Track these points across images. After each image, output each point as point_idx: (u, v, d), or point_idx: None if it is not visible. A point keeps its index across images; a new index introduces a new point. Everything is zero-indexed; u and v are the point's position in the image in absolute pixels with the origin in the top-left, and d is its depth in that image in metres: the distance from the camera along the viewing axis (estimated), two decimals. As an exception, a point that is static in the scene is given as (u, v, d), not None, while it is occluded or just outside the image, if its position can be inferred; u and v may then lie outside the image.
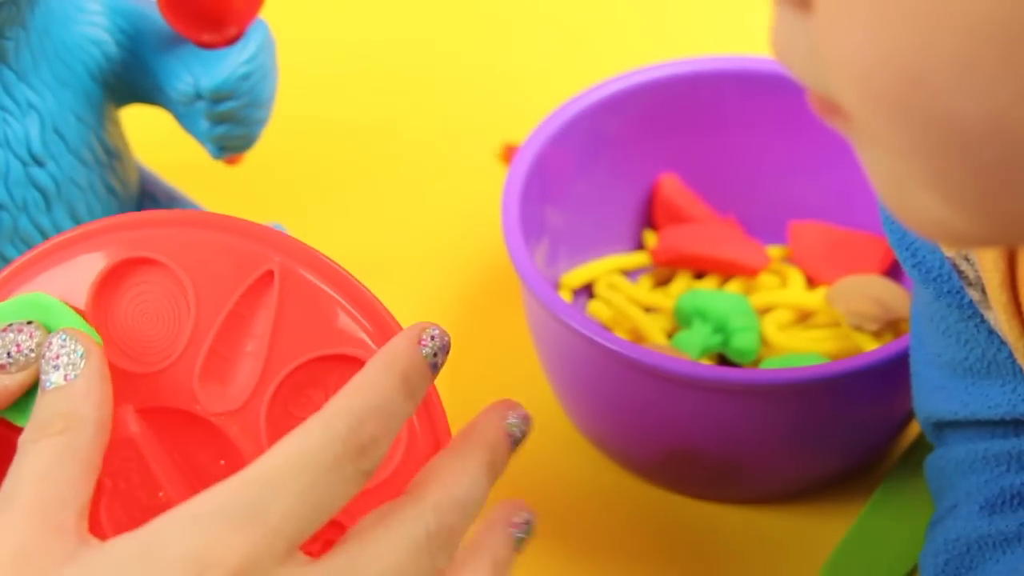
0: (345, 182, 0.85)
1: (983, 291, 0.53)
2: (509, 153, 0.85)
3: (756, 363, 0.72)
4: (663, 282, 0.77)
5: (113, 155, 0.67)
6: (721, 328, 0.72)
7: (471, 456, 0.48)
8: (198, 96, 0.64)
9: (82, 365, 0.47)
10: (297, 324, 0.49)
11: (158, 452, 0.49)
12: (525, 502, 0.50)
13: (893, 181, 0.38)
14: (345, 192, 0.84)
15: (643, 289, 0.76)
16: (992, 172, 0.35)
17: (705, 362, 0.72)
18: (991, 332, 0.56)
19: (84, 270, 0.49)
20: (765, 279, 0.75)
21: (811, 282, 0.76)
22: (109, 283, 0.49)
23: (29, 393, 0.47)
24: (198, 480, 0.49)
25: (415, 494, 0.47)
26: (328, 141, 0.87)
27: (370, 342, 0.49)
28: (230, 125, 0.65)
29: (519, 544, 0.50)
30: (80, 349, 0.47)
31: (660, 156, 0.77)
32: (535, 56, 0.92)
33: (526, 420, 0.50)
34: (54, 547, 0.43)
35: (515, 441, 0.50)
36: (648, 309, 0.75)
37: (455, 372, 0.75)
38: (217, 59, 0.64)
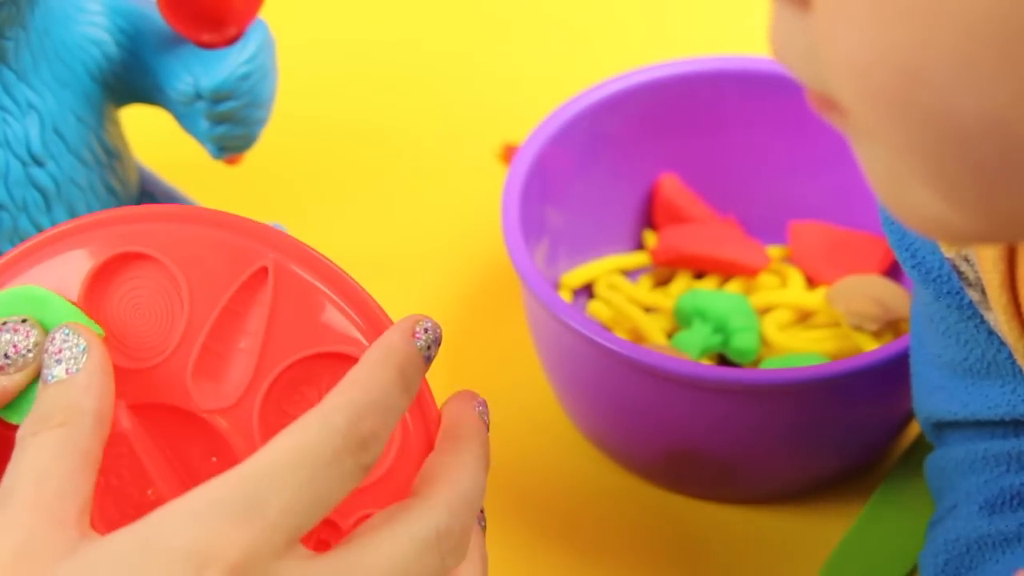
0: (345, 182, 0.85)
1: (983, 292, 0.53)
2: (509, 153, 0.85)
3: (756, 363, 0.72)
4: (663, 282, 0.77)
5: (113, 155, 0.67)
6: (721, 328, 0.72)
7: (467, 452, 0.49)
8: (198, 96, 0.64)
9: (84, 359, 0.47)
10: (291, 321, 0.49)
11: (150, 448, 0.48)
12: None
13: (891, 178, 0.38)
14: (345, 192, 0.84)
15: (643, 289, 0.76)
16: (990, 169, 0.35)
17: (705, 362, 0.72)
18: (991, 333, 0.56)
19: (76, 264, 0.49)
20: (765, 279, 0.75)
21: (811, 282, 0.76)
22: (102, 278, 0.49)
23: (25, 392, 0.47)
24: (190, 477, 0.48)
25: (423, 495, 0.47)
26: (328, 141, 0.87)
27: (364, 340, 0.49)
28: (230, 125, 0.65)
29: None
30: (83, 343, 0.47)
31: (660, 156, 0.77)
32: (535, 56, 0.92)
33: (484, 404, 0.51)
34: (54, 541, 0.43)
35: (487, 426, 0.50)
36: (648, 309, 0.75)
37: (455, 372, 0.75)
38: (217, 59, 0.64)
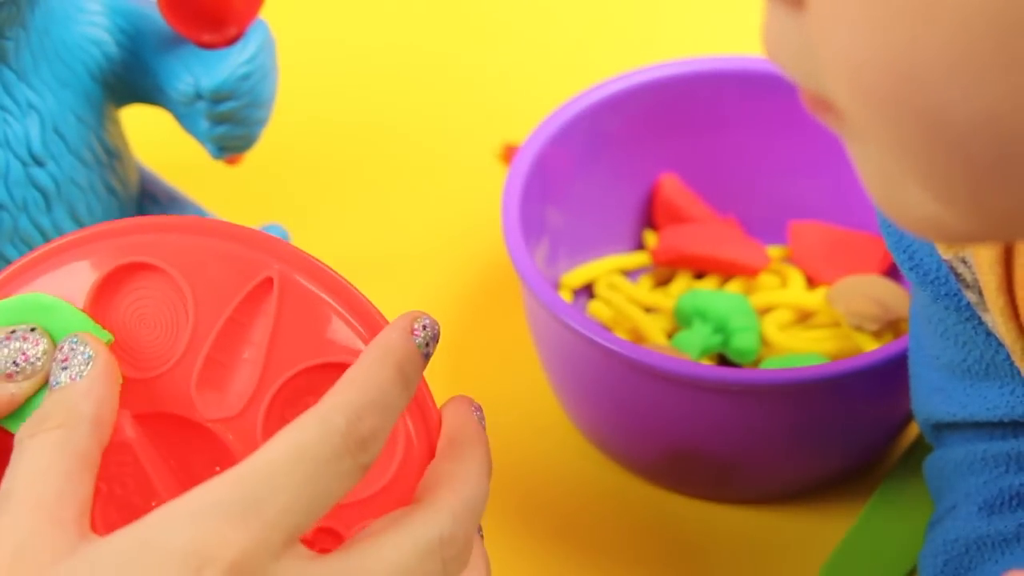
0: (345, 182, 0.85)
1: (980, 293, 0.53)
2: (509, 153, 0.85)
3: (756, 363, 0.72)
4: (663, 282, 0.77)
5: (113, 155, 0.67)
6: (721, 328, 0.72)
7: (470, 458, 0.48)
8: (198, 96, 0.64)
9: (89, 367, 0.47)
10: (295, 332, 0.49)
11: (154, 457, 0.48)
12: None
13: (884, 178, 0.38)
14: (345, 192, 0.84)
15: (643, 289, 0.76)
16: (982, 167, 0.35)
17: (705, 362, 0.72)
18: (989, 334, 0.56)
19: (82, 275, 0.49)
20: (765, 279, 0.75)
21: (811, 282, 0.76)
22: (108, 288, 0.49)
23: (31, 401, 0.48)
24: (193, 486, 0.48)
25: (426, 501, 0.47)
26: (328, 141, 0.87)
27: None
28: (230, 125, 0.65)
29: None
30: (89, 352, 0.47)
31: (660, 156, 0.77)
32: (535, 56, 0.92)
33: (481, 410, 0.51)
34: (54, 541, 0.43)
35: (484, 429, 0.50)
36: (648, 309, 0.75)
37: (455, 372, 0.75)
38: (217, 59, 0.64)
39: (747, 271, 0.75)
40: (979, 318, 0.55)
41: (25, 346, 0.48)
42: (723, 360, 0.73)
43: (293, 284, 0.49)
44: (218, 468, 0.48)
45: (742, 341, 0.71)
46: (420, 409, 0.49)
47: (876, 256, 0.75)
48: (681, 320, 0.73)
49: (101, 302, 0.49)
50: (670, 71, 0.75)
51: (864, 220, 0.76)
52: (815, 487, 0.70)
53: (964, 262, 0.53)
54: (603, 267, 0.76)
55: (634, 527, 0.69)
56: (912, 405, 0.62)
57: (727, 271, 0.75)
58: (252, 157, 0.74)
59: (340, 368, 0.48)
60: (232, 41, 0.64)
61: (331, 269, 0.49)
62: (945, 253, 0.54)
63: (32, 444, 0.45)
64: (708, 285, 0.75)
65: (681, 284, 0.76)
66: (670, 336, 0.73)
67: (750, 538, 0.69)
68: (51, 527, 0.43)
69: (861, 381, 0.64)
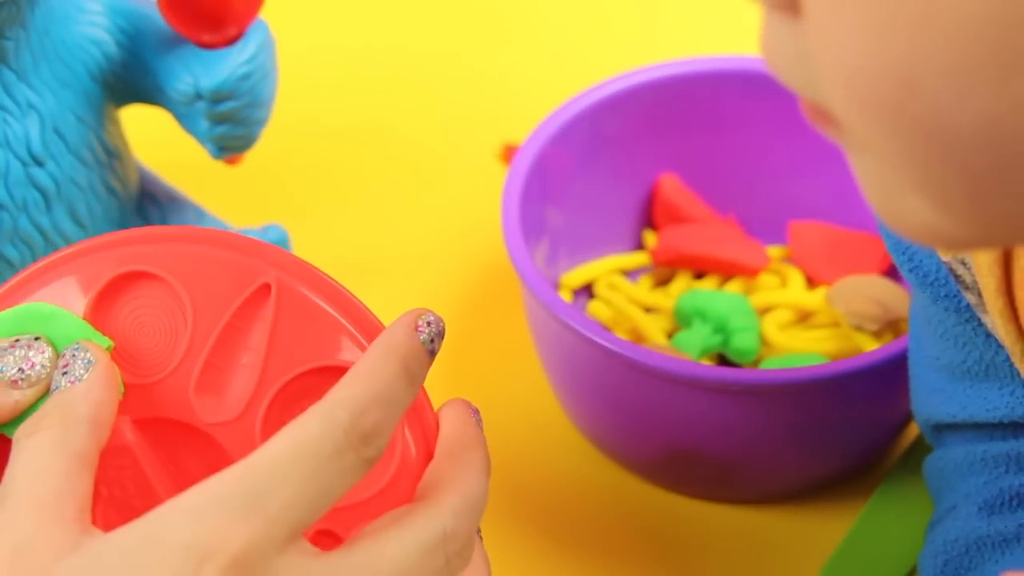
0: (345, 182, 0.85)
1: (979, 295, 0.53)
2: (509, 153, 0.85)
3: (756, 363, 0.72)
4: (663, 282, 0.77)
5: (113, 155, 0.67)
6: (721, 328, 0.72)
7: (469, 458, 0.48)
8: (198, 96, 0.64)
9: (88, 372, 0.47)
10: (293, 337, 0.49)
11: (153, 461, 0.49)
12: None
13: (882, 185, 0.38)
14: (345, 192, 0.84)
15: (643, 289, 0.76)
16: (980, 175, 0.35)
17: (705, 362, 0.72)
18: (988, 335, 0.56)
19: (82, 284, 0.49)
20: (765, 279, 0.75)
21: (811, 282, 0.76)
22: (107, 296, 0.50)
23: (30, 409, 0.48)
24: None
25: (428, 499, 0.47)
26: (328, 141, 0.87)
27: None
28: (230, 125, 0.65)
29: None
30: (89, 357, 0.48)
31: (660, 156, 0.77)
32: (535, 56, 0.93)
33: (478, 412, 0.51)
34: (55, 538, 0.43)
35: (482, 431, 0.50)
36: (648, 309, 0.75)
37: (455, 372, 0.75)
38: (217, 59, 0.64)
39: (747, 271, 0.75)
40: (979, 319, 0.55)
41: (30, 353, 0.48)
42: (723, 360, 0.73)
43: (290, 290, 0.49)
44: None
45: (742, 341, 0.71)
46: (417, 412, 0.49)
47: (876, 256, 0.75)
48: (681, 320, 0.73)
49: (101, 310, 0.50)
50: (670, 71, 0.75)
51: (864, 220, 0.76)
52: (815, 487, 0.70)
53: (963, 264, 0.53)
54: (603, 267, 0.76)
55: (634, 527, 0.69)
56: (912, 406, 0.62)
57: (727, 271, 0.75)
58: (252, 157, 0.74)
59: (337, 372, 0.48)
60: (232, 41, 0.64)
61: (327, 275, 0.50)
62: (944, 255, 0.54)
63: (30, 443, 0.46)
64: (708, 285, 0.75)
65: (681, 284, 0.76)
66: (670, 336, 0.73)
67: (750, 538, 0.69)
68: (52, 524, 0.43)
69: (861, 381, 0.64)
